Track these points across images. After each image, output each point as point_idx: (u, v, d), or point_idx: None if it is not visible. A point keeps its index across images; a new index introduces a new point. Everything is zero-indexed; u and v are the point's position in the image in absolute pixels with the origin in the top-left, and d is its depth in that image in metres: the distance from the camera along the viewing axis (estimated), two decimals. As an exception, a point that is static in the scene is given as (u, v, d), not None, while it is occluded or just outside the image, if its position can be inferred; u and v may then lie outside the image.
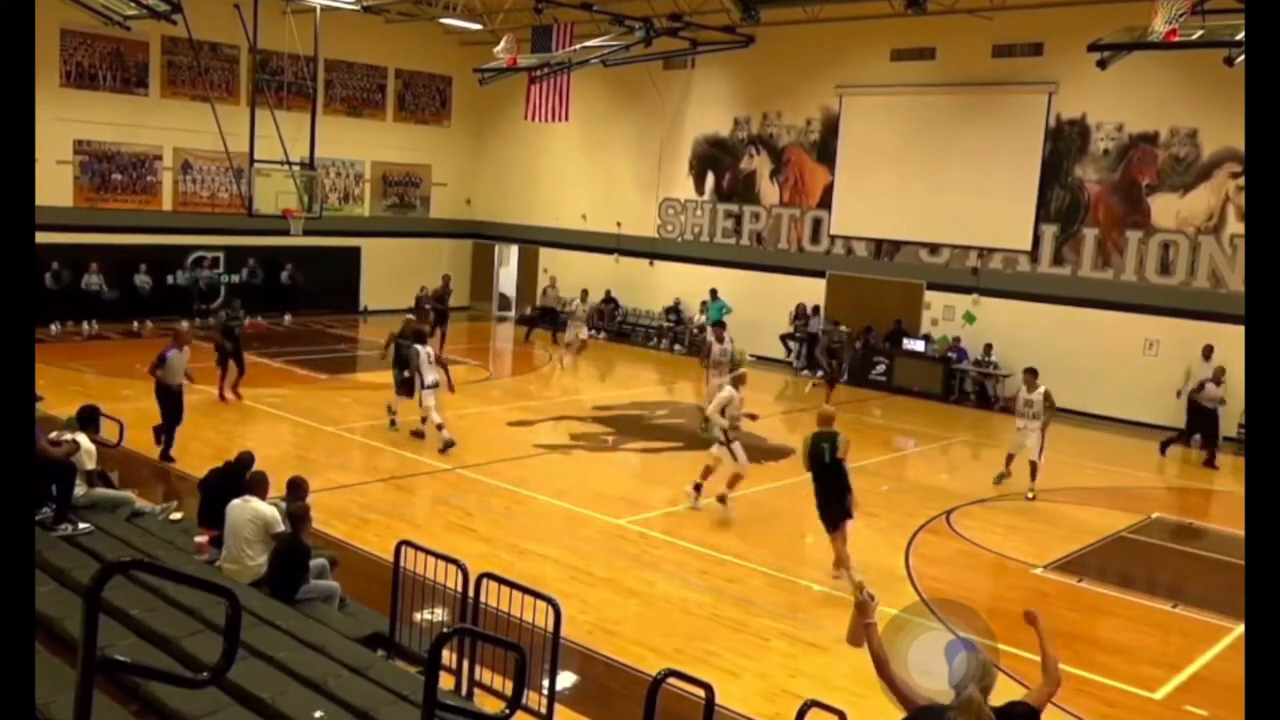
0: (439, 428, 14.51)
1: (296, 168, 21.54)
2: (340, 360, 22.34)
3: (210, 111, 20.72)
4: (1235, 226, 18.72)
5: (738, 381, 13.10)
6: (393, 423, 15.55)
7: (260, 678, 5.93)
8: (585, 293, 24.84)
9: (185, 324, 14.79)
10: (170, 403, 13.18)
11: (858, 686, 7.99)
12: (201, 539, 8.85)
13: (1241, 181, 18.49)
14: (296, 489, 8.86)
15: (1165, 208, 19.51)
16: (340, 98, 27.77)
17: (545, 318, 26.61)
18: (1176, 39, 14.87)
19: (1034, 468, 13.94)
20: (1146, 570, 12.01)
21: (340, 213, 27.63)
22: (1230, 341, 18.36)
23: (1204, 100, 18.67)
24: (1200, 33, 15.15)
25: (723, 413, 12.59)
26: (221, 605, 3.92)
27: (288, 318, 25.67)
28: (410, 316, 17.89)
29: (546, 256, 29.76)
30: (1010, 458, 14.42)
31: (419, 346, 14.99)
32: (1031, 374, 14.46)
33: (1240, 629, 9.81)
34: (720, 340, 17.24)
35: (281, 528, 8.05)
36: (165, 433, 13.18)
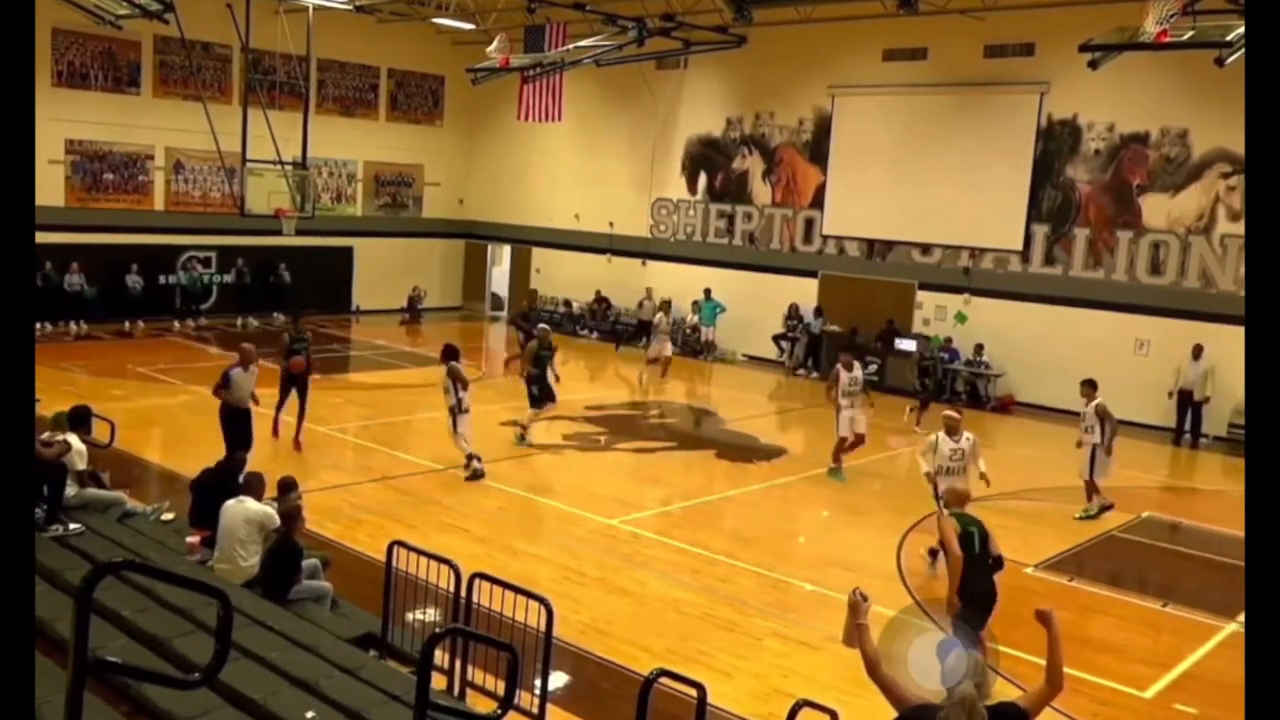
0: (473, 458, 13.44)
1: (289, 167, 21.51)
2: (333, 360, 22.29)
3: (202, 111, 20.69)
4: (1226, 227, 18.80)
5: (952, 427, 11.05)
6: (522, 437, 15.35)
7: (252, 678, 5.93)
8: (668, 304, 22.99)
9: (250, 344, 13.19)
10: (239, 427, 12.30)
11: (850, 686, 8.00)
12: (193, 539, 8.85)
13: (1232, 182, 18.58)
14: (286, 489, 8.87)
15: (1156, 208, 19.57)
16: (333, 97, 27.74)
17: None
18: (1167, 40, 14.93)
19: (1088, 487, 13.25)
20: (1137, 569, 12.04)
21: (333, 212, 27.60)
22: (1220, 341, 18.48)
23: (1195, 101, 18.74)
24: (1191, 33, 15.20)
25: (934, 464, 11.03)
26: (213, 606, 3.92)
27: (278, 317, 25.61)
28: (545, 326, 16.89)
29: (539, 256, 29.77)
30: (1087, 485, 13.37)
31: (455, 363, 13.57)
32: (1089, 385, 13.49)
33: (1230, 627, 9.88)
34: (849, 368, 14.78)
35: (278, 523, 8.06)
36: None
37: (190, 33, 20.98)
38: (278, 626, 6.93)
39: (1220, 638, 9.69)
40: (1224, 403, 18.64)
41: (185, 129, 23.80)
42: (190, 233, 25.28)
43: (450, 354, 13.66)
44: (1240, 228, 18.63)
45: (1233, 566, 12.10)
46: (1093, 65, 16.56)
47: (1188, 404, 18.41)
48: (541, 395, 15.28)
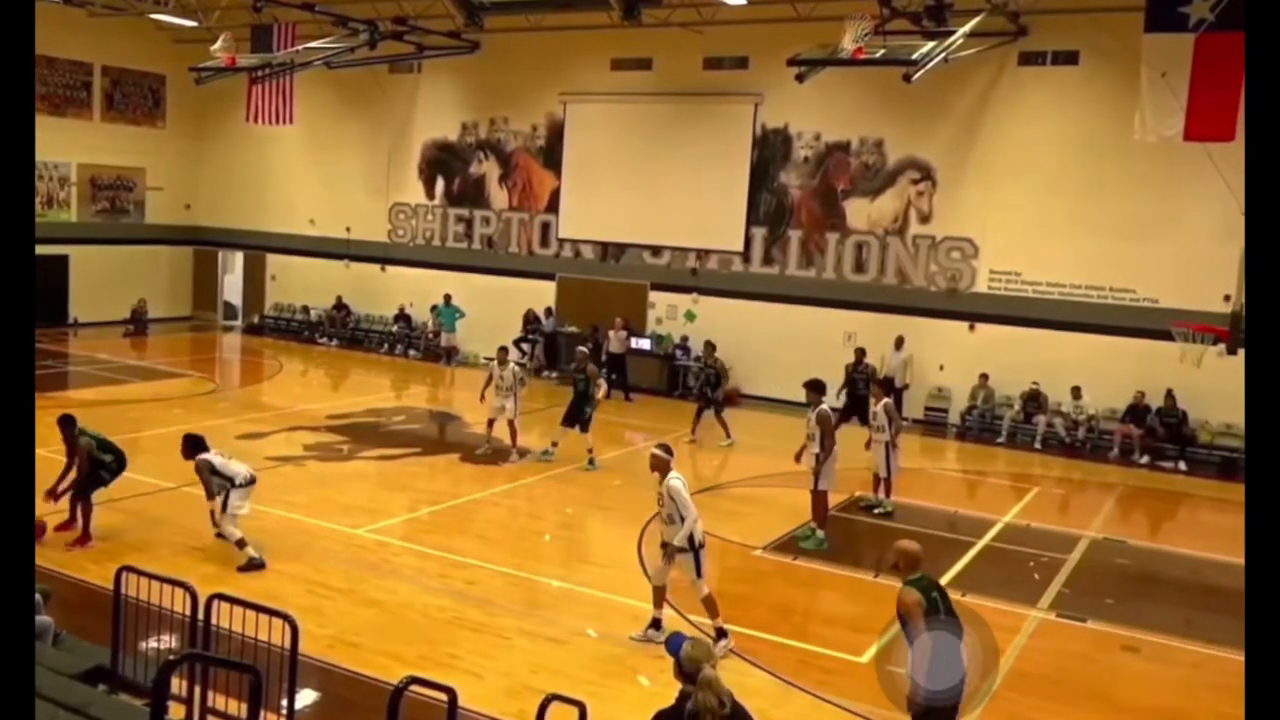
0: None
1: (-12, 172, 19.89)
2: (45, 377, 20.80)
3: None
4: (917, 228, 20.79)
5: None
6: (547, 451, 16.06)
7: (-31, 726, 5.68)
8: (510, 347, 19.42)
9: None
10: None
11: (598, 678, 8.45)
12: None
13: (921, 187, 20.57)
14: None
15: (858, 211, 21.35)
16: (40, 95, 25.72)
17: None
18: (863, 56, 16.41)
19: (880, 483, 13.96)
20: (852, 545, 13.06)
21: (44, 218, 25.67)
22: (915, 332, 20.38)
23: (888, 113, 20.60)
24: (883, 51, 16.77)
25: None
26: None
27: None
28: (584, 350, 16.83)
29: (274, 263, 28.85)
30: (876, 479, 14.04)
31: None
32: (880, 386, 14.82)
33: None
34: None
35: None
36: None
37: None
38: (-4, 668, 6.61)
39: (917, 601, 10.82)
40: (920, 389, 20.61)
41: None
42: None
43: (195, 446, 10.99)
44: (928, 229, 20.68)
45: (931, 536, 13.46)
46: (800, 79, 17.91)
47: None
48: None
